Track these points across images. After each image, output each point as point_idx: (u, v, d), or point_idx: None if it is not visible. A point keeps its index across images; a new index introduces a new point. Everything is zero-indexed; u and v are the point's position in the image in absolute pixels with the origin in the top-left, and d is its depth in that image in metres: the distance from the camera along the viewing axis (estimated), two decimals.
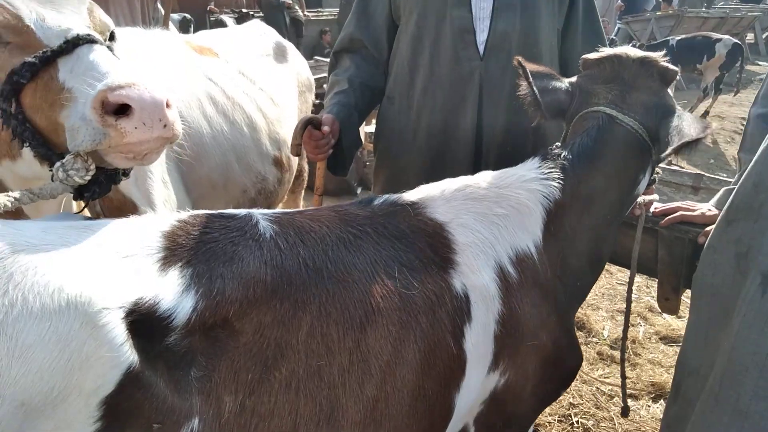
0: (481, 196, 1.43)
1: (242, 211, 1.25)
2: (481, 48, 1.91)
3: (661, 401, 2.87)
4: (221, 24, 12.20)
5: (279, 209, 1.35)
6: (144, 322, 0.97)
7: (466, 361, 1.31)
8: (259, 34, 2.81)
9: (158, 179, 1.97)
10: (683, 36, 10.72)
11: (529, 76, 1.56)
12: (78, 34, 1.25)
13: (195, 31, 10.69)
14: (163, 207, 1.97)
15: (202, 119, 2.18)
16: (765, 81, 1.79)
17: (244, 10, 13.41)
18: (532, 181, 1.47)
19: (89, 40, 1.26)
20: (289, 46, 2.91)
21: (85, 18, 1.37)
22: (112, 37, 1.47)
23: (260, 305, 1.08)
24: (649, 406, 2.86)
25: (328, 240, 1.23)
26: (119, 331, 0.93)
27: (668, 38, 10.71)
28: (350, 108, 2.04)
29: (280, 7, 12.08)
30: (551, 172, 1.48)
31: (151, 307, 0.99)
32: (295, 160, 2.63)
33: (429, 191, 1.44)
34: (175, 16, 10.52)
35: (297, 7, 12.58)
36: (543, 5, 1.93)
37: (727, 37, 10.75)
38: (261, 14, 12.86)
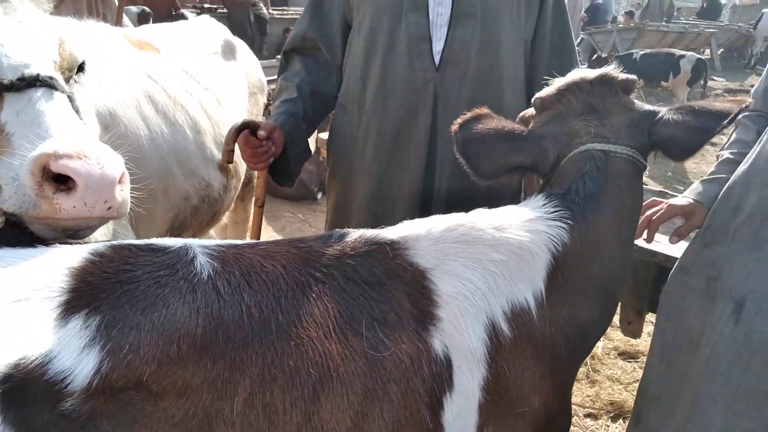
0: (475, 238, 1.21)
1: (178, 242, 1.05)
2: (437, 58, 1.76)
3: (620, 420, 2.81)
4: (181, 18, 11.91)
5: (226, 241, 1.15)
6: (25, 388, 0.80)
7: None
8: (207, 30, 2.63)
9: None
10: (647, 50, 10.94)
11: (485, 138, 1.38)
12: (38, 74, 1.09)
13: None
14: None
15: (140, 120, 2.00)
16: (763, 77, 1.69)
17: (207, 5, 13.11)
18: (536, 222, 1.27)
19: (49, 84, 1.10)
20: (239, 45, 2.74)
21: (52, 53, 1.20)
22: (81, 69, 1.30)
23: (186, 364, 0.90)
24: (608, 426, 2.79)
25: (282, 284, 1.04)
26: None
27: (632, 51, 10.91)
28: (298, 118, 1.89)
29: (244, 4, 11.86)
30: (559, 212, 1.28)
31: (37, 369, 0.82)
32: (243, 165, 2.47)
33: (413, 229, 1.23)
34: (133, 8, 10.16)
35: (261, 5, 12.36)
36: (506, 14, 1.79)
37: (690, 53, 11.01)
38: (225, 11, 12.62)
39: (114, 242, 1.04)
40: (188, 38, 2.49)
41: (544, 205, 1.30)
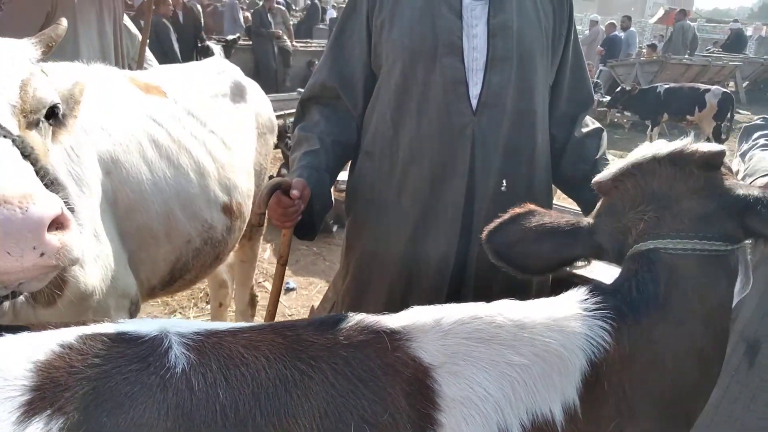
0: (493, 335, 1.06)
1: (152, 330, 0.97)
2: (474, 102, 1.74)
3: None
4: (207, 51, 12.18)
5: (208, 324, 1.07)
6: None
7: None
8: (216, 72, 2.65)
9: (89, 233, 1.79)
10: (670, 84, 10.86)
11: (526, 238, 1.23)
12: None
13: (180, 58, 10.69)
14: (94, 264, 1.79)
15: (143, 164, 2.01)
16: None
17: (230, 38, 13.40)
18: (571, 320, 1.08)
19: None
20: (250, 86, 2.76)
21: (11, 96, 1.18)
22: (52, 113, 1.27)
23: None
24: None
25: (263, 378, 0.94)
26: None
27: (656, 85, 10.84)
28: (321, 171, 1.85)
29: (269, 36, 12.10)
30: (601, 309, 1.09)
31: None
32: (248, 206, 2.46)
33: (420, 318, 1.09)
34: None
35: (285, 37, 12.59)
36: (538, 59, 1.79)
37: (715, 87, 10.91)
38: (249, 42, 12.89)
39: (85, 330, 0.96)
40: (196, 81, 2.51)
41: (586, 299, 1.11)
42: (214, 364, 0.94)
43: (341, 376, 0.97)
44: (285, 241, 1.92)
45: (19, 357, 0.87)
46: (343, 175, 2.13)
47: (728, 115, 10.00)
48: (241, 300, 3.07)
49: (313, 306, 3.61)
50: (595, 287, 1.15)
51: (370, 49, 1.88)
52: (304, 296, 4.50)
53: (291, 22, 14.96)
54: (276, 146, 6.64)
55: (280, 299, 4.49)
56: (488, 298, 1.16)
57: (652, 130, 10.63)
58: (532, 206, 1.31)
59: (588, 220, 1.26)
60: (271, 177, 2.95)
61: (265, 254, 5.19)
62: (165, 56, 8.22)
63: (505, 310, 1.10)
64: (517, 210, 1.30)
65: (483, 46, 1.75)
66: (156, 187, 2.03)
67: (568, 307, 1.11)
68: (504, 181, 1.78)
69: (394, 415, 0.96)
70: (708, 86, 10.82)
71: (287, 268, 5.72)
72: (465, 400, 1.00)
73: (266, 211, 1.78)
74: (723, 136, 9.73)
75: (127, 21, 4.56)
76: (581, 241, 1.23)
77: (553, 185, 2.00)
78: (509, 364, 1.03)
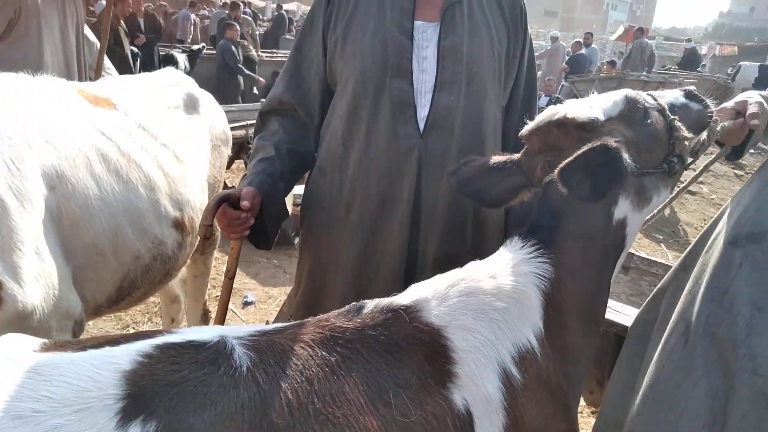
0: (476, 289, 1.29)
1: (213, 336, 1.08)
2: (422, 124, 1.75)
3: None
4: (171, 59, 12.00)
5: (252, 327, 1.18)
6: None
7: None
8: (169, 83, 2.59)
9: (30, 250, 1.73)
10: None
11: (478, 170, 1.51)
12: None
13: (140, 66, 10.50)
14: (35, 282, 1.73)
15: (90, 178, 1.95)
16: None
17: (195, 47, 13.24)
18: (521, 264, 1.35)
19: None
20: (203, 98, 2.71)
21: None
22: None
23: None
24: None
25: (312, 366, 1.09)
26: None
27: None
28: (275, 178, 1.83)
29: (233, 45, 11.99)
30: (536, 248, 1.36)
31: None
32: (200, 220, 2.42)
33: (421, 291, 1.30)
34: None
35: (251, 47, 12.51)
36: (489, 82, 1.79)
37: None
38: (213, 51, 12.75)
39: (158, 340, 1.06)
40: (148, 92, 2.46)
41: (522, 246, 1.38)
42: (271, 359, 1.07)
43: (374, 353, 1.14)
44: (232, 254, 1.89)
45: (109, 368, 0.96)
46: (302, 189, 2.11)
47: None
48: (194, 316, 3.01)
49: (267, 321, 3.56)
50: (520, 232, 1.42)
51: (326, 67, 1.88)
52: (263, 310, 4.43)
53: (257, 32, 14.91)
54: (239, 157, 6.61)
55: (238, 314, 4.44)
56: None
57: None
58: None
59: (516, 156, 1.55)
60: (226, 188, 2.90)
61: (224, 267, 5.12)
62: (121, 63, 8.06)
63: (479, 267, 1.36)
64: (464, 159, 1.57)
65: (433, 69, 1.75)
66: (103, 202, 1.97)
67: (516, 254, 1.37)
68: (451, 203, 1.78)
69: (419, 377, 1.14)
70: None
71: (247, 281, 5.60)
72: (472, 349, 1.21)
73: (213, 223, 1.75)
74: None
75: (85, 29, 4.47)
76: (516, 172, 1.51)
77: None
78: (494, 309, 1.26)
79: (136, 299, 2.26)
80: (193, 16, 15.93)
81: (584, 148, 1.25)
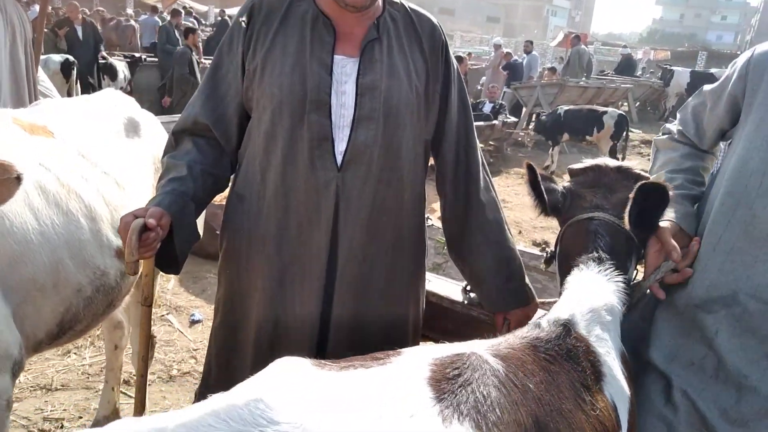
0: (594, 307, 1.51)
1: (462, 347, 1.26)
2: (339, 158, 1.76)
3: None
4: (111, 69, 11.65)
5: (470, 344, 1.33)
6: None
7: None
8: (109, 107, 2.53)
9: None
10: (570, 107, 11.52)
11: (539, 178, 1.73)
12: None
13: (78, 76, 10.11)
14: None
15: (28, 213, 1.89)
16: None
17: (137, 55, 12.89)
18: (604, 283, 1.58)
19: None
20: (144, 120, 2.65)
21: None
22: None
23: None
24: None
25: (536, 369, 1.29)
26: None
27: (557, 108, 11.46)
28: (186, 198, 1.78)
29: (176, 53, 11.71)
30: (610, 271, 1.59)
31: None
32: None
33: (567, 305, 1.52)
34: (57, 57, 9.86)
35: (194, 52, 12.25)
36: (407, 117, 1.81)
37: (611, 108, 11.60)
38: (155, 59, 12.46)
39: (430, 348, 1.24)
40: (87, 118, 2.39)
41: (599, 270, 1.61)
42: (512, 365, 1.25)
43: (561, 359, 1.36)
44: (146, 280, 1.84)
45: (414, 378, 1.10)
46: None
47: (624, 135, 10.73)
48: (138, 342, 2.93)
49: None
50: (593, 257, 1.63)
51: (243, 93, 1.85)
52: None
53: (200, 39, 14.62)
54: None
55: (185, 333, 4.34)
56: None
57: (553, 149, 11.23)
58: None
59: (564, 185, 1.83)
60: None
61: (169, 285, 5.01)
62: None
63: (581, 287, 1.57)
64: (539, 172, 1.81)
65: (351, 104, 1.76)
66: (43, 236, 1.92)
67: (599, 276, 1.59)
68: (370, 237, 1.81)
69: (590, 378, 1.37)
70: (605, 108, 11.53)
71: (193, 299, 5.45)
72: (606, 353, 1.45)
73: (138, 259, 1.70)
74: (618, 155, 10.41)
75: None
76: (557, 192, 1.79)
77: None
78: (608, 322, 1.51)
79: (78, 332, 2.19)
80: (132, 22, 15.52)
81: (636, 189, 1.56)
